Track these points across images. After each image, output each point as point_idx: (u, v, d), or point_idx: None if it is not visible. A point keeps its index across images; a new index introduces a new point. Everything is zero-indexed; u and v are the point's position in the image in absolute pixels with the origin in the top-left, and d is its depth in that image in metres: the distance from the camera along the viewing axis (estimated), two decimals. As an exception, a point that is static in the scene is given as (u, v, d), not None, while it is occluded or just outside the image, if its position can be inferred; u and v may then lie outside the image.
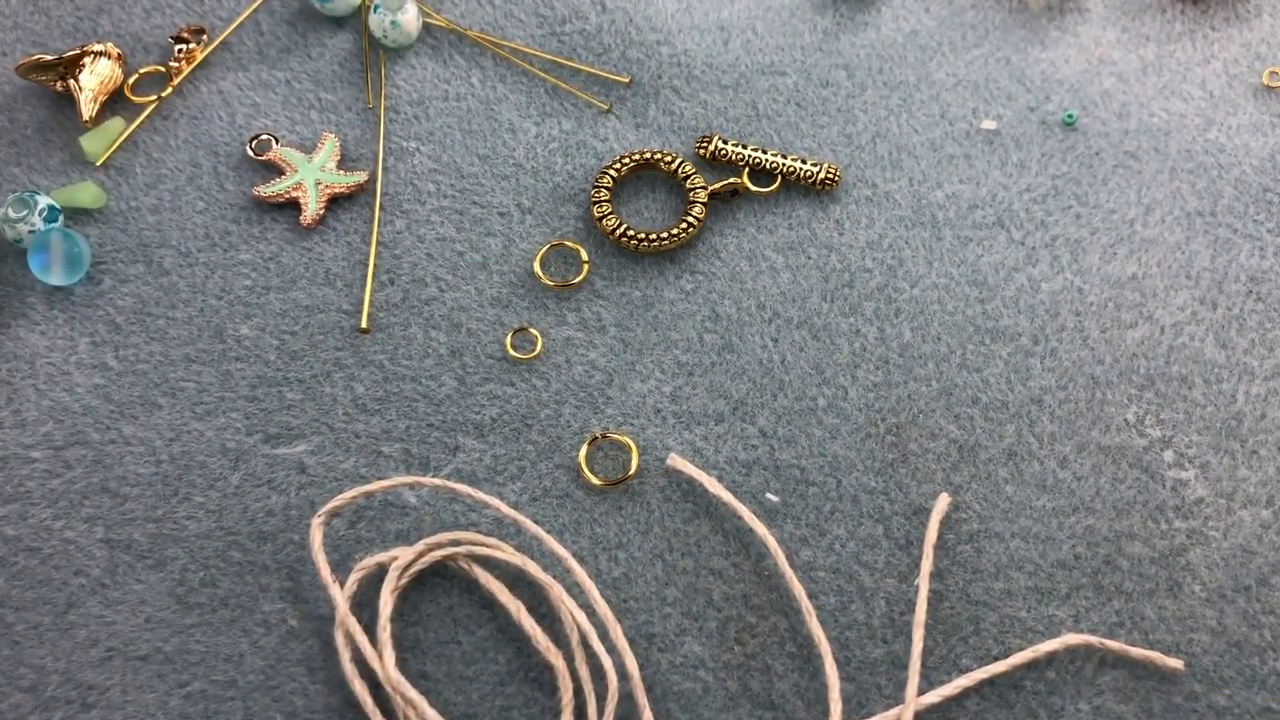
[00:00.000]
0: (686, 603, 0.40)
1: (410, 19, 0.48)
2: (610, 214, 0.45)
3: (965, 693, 0.39)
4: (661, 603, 0.40)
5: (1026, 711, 0.38)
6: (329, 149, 0.46)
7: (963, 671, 0.39)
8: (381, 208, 0.46)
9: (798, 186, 0.46)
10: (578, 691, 0.38)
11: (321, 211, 0.45)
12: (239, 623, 0.40)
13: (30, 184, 0.46)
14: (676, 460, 0.41)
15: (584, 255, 0.45)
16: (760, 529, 0.40)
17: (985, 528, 0.41)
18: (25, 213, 0.44)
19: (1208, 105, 0.47)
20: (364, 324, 0.44)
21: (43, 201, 0.44)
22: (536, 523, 0.41)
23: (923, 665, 0.38)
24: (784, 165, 0.45)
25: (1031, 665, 0.39)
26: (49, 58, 0.47)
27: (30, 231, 0.44)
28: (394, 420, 0.42)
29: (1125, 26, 0.49)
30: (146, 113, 0.47)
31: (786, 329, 0.44)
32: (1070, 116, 0.47)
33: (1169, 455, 0.41)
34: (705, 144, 0.46)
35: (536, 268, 0.44)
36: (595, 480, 0.41)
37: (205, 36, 0.48)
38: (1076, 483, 0.41)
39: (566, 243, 0.45)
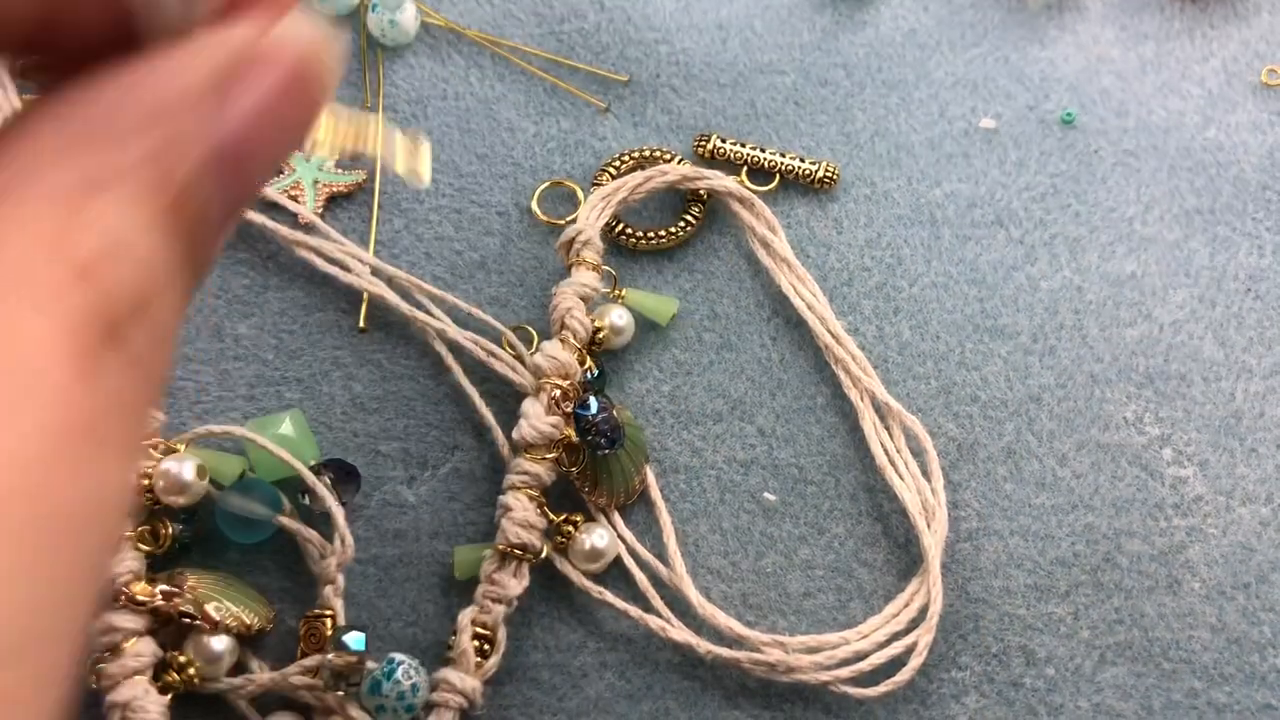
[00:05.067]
0: (685, 601, 0.40)
1: (408, 18, 0.48)
2: (608, 213, 0.45)
3: (965, 689, 0.39)
4: (660, 601, 0.40)
5: (1026, 709, 0.38)
6: (327, 148, 0.46)
7: (963, 670, 0.39)
8: (380, 207, 0.46)
9: (796, 185, 0.46)
10: None
11: (319, 210, 0.45)
12: (237, 622, 0.40)
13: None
14: None
15: (582, 254, 0.44)
16: None
17: (984, 525, 0.41)
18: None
19: (1206, 103, 0.47)
20: (362, 323, 0.44)
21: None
22: (535, 521, 0.41)
23: (922, 662, 0.38)
24: (782, 164, 0.45)
25: (1030, 663, 0.39)
26: (47, 57, 0.47)
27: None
28: (392, 419, 0.42)
29: (1124, 24, 0.49)
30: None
31: (785, 328, 0.44)
32: (1069, 115, 0.47)
33: (1168, 453, 0.41)
34: (704, 143, 0.46)
35: (534, 204, 0.44)
36: (594, 479, 0.41)
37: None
38: (1075, 480, 0.41)
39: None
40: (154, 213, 0.18)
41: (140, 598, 0.36)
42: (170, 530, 0.38)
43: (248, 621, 0.37)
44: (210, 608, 0.37)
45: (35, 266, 0.16)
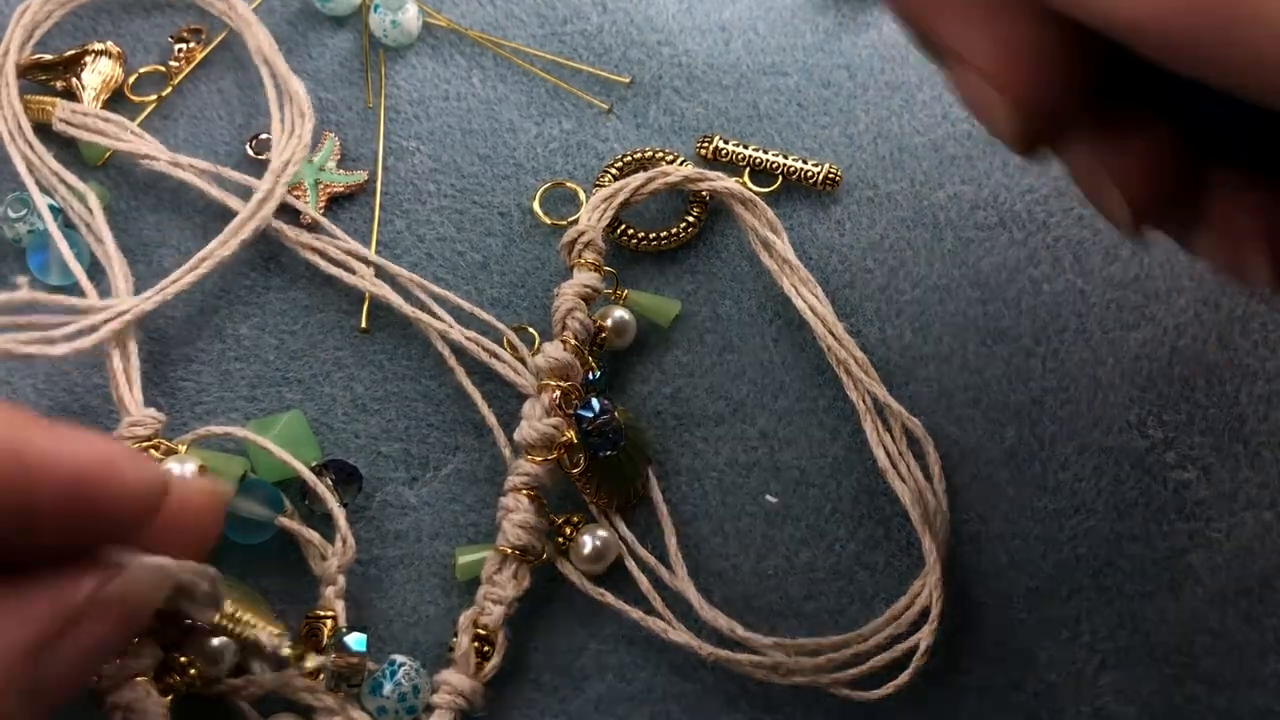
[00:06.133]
0: (686, 604, 0.40)
1: (411, 18, 0.48)
2: (611, 214, 0.45)
3: (965, 692, 0.39)
4: (661, 604, 0.40)
5: (1027, 712, 0.38)
6: (328, 148, 0.46)
7: (963, 673, 0.39)
8: (381, 207, 0.46)
9: (799, 187, 0.46)
10: None
11: (321, 211, 0.45)
12: (238, 623, 0.40)
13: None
14: None
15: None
16: None
17: (986, 529, 0.41)
18: (25, 212, 0.44)
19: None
20: (364, 324, 0.44)
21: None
22: (536, 523, 0.41)
23: (923, 665, 0.38)
24: (784, 165, 0.45)
25: (1031, 666, 0.39)
26: (49, 58, 0.47)
27: (29, 231, 0.44)
28: (393, 420, 0.42)
29: (1128, 27, 0.49)
30: (146, 112, 0.47)
31: (787, 330, 0.44)
32: (1072, 117, 0.47)
33: (1171, 456, 0.41)
34: (706, 144, 0.46)
35: (536, 205, 0.44)
36: (595, 481, 0.41)
37: (205, 36, 0.48)
38: (1078, 484, 0.41)
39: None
40: None
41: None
42: None
43: (265, 644, 0.36)
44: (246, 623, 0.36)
45: None
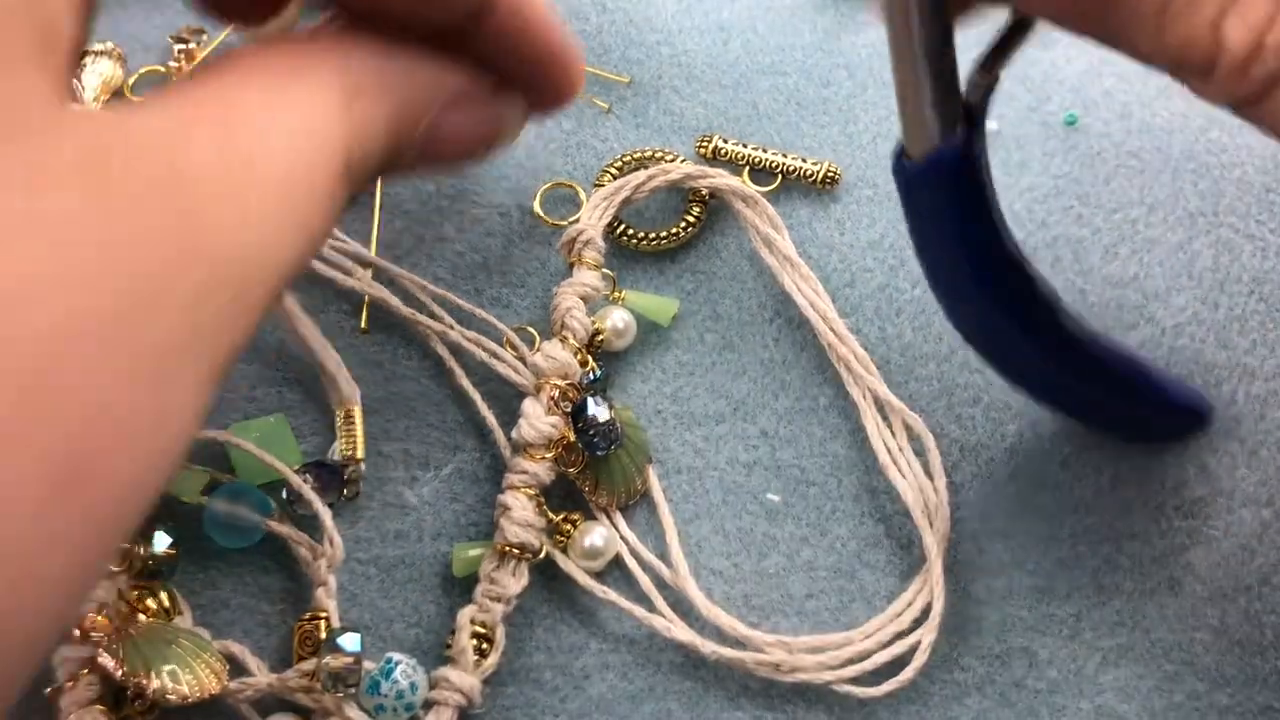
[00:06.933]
0: (687, 602, 0.40)
1: (410, 19, 0.48)
2: (610, 213, 0.45)
3: (967, 690, 0.39)
4: (662, 602, 0.40)
5: (1028, 710, 0.38)
6: (329, 148, 0.46)
7: (964, 670, 0.39)
8: (381, 208, 0.46)
9: (798, 186, 0.46)
10: None
11: (322, 211, 0.45)
12: (239, 624, 0.40)
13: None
14: None
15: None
16: None
17: (986, 526, 0.41)
18: (25, 212, 0.44)
19: (1209, 105, 0.47)
20: (364, 324, 0.44)
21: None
22: (537, 522, 0.41)
23: (925, 662, 0.38)
24: (784, 164, 0.45)
25: (1032, 664, 0.39)
26: (49, 58, 0.47)
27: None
28: (394, 420, 0.42)
29: (1126, 26, 0.49)
30: (147, 113, 0.47)
31: (787, 328, 0.44)
32: (1071, 116, 0.47)
33: (1169, 455, 0.41)
34: (705, 143, 0.46)
35: (536, 205, 0.44)
36: (595, 480, 0.41)
37: (205, 37, 0.48)
38: (1077, 482, 0.41)
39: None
40: (384, 132, 0.26)
41: (93, 633, 0.36)
42: (141, 552, 0.38)
43: (187, 693, 0.35)
44: (157, 674, 0.35)
45: (322, 108, 0.25)
